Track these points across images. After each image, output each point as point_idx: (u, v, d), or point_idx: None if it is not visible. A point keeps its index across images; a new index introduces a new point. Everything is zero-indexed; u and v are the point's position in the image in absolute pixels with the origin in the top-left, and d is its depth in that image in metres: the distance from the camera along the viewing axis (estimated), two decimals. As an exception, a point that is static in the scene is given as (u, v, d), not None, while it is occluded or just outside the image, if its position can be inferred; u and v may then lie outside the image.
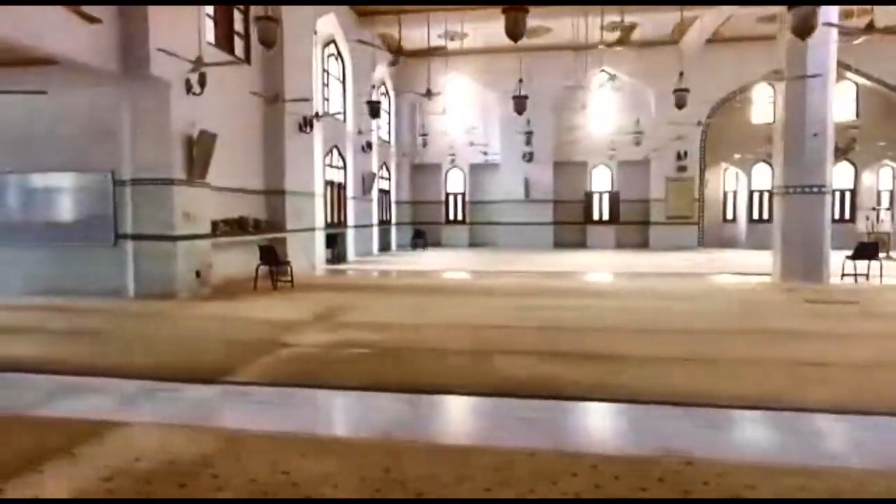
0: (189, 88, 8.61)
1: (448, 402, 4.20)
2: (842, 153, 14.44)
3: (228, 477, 2.81)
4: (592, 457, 3.06)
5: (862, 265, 10.65)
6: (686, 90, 12.38)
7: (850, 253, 10.82)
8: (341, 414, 4.00)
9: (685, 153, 20.10)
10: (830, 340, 6.06)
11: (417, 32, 16.01)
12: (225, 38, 10.71)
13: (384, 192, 20.51)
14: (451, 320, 7.14)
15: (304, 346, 5.70)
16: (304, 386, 4.43)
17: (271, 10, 6.95)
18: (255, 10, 11.34)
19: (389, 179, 21.17)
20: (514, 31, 6.05)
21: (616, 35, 17.11)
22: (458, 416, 4.04)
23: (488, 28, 17.58)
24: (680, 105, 12.64)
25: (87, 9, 6.90)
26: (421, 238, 21.28)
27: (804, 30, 5.95)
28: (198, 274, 9.15)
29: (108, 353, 5.54)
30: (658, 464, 2.95)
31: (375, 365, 5.06)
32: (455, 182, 22.90)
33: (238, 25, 11.14)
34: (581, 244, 21.45)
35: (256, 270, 10.00)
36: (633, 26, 16.95)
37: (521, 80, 12.77)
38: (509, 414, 3.86)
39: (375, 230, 18.95)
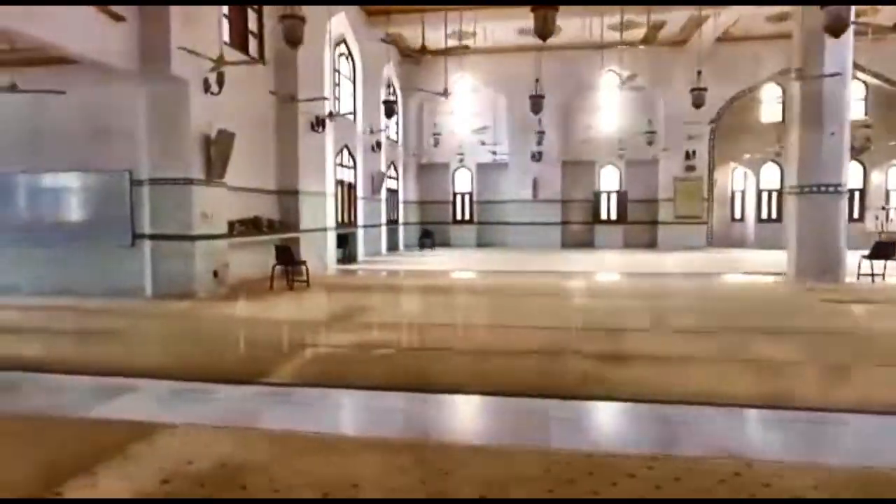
0: (207, 88, 8.60)
1: (483, 404, 4.16)
2: (857, 152, 14.41)
3: (284, 479, 2.79)
4: (645, 458, 3.03)
5: (878, 265, 10.61)
6: (704, 89, 12.35)
7: (864, 252, 10.79)
8: (382, 415, 3.96)
9: (694, 152, 20.07)
10: (855, 340, 6.04)
11: (427, 32, 15.95)
12: (239, 38, 10.69)
13: (392, 192, 20.47)
14: (471, 321, 7.12)
15: (331, 347, 5.69)
16: (338, 387, 4.40)
17: (296, 9, 6.90)
18: (269, 11, 11.33)
19: (397, 179, 21.13)
20: (544, 30, 6.02)
21: (629, 33, 17.01)
22: (498, 418, 4.00)
23: (497, 27, 17.62)
24: (698, 104, 12.62)
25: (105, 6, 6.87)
26: (429, 238, 21.25)
27: (837, 28, 5.93)
28: (215, 274, 9.13)
29: (137, 355, 5.52)
30: (715, 465, 2.92)
31: (404, 365, 5.03)
32: (462, 182, 22.87)
33: (252, 25, 11.12)
34: (589, 244, 21.43)
35: (273, 270, 9.99)
36: (660, 25, 16.89)
37: (537, 80, 12.73)
38: (548, 414, 3.84)
39: (384, 230, 18.94)
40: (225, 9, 10.01)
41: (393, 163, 20.30)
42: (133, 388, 4.34)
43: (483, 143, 21.41)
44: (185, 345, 5.97)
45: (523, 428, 3.68)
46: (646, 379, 4.49)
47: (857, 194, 20.07)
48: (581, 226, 21.72)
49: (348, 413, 4.10)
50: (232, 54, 9.73)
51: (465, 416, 4.00)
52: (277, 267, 10.04)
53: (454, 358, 5.28)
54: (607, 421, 3.91)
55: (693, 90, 12.52)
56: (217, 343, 6.07)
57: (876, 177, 20.10)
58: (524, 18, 16.28)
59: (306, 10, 12.12)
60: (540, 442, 3.33)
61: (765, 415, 3.81)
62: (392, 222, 20.27)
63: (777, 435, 3.61)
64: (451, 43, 16.27)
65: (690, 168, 20.27)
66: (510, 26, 17.54)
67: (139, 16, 7.76)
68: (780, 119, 20.07)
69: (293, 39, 6.82)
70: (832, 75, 9.56)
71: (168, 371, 4.77)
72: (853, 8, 10.43)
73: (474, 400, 4.18)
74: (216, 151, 8.72)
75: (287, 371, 4.80)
